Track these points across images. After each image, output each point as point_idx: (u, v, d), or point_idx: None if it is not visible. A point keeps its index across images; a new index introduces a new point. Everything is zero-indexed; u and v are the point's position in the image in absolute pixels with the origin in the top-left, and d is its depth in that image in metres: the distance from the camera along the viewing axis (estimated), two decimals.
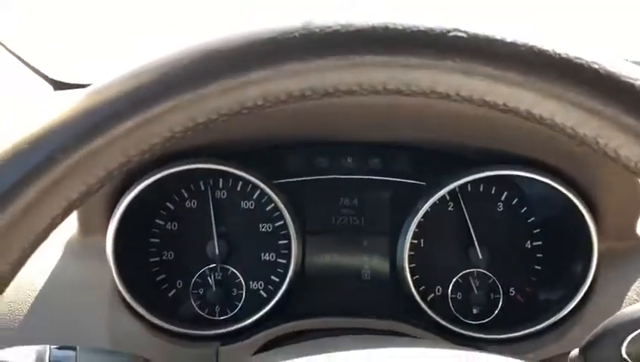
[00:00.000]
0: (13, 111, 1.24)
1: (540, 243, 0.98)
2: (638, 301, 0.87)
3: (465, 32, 0.39)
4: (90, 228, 0.91)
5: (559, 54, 0.39)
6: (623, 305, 0.87)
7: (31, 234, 0.39)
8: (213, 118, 0.41)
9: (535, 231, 0.98)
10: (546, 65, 0.39)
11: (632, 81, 0.38)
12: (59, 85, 1.38)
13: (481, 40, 0.39)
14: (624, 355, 0.55)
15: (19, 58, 1.36)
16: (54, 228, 0.41)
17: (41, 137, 0.38)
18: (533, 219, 0.98)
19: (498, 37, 0.39)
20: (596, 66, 0.38)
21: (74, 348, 0.59)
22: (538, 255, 0.98)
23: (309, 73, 0.39)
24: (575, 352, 0.59)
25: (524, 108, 0.40)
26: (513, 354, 0.89)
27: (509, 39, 0.39)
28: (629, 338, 0.55)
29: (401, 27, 0.40)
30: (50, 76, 1.38)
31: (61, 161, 0.38)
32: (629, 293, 0.87)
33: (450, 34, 0.39)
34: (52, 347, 0.58)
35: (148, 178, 0.87)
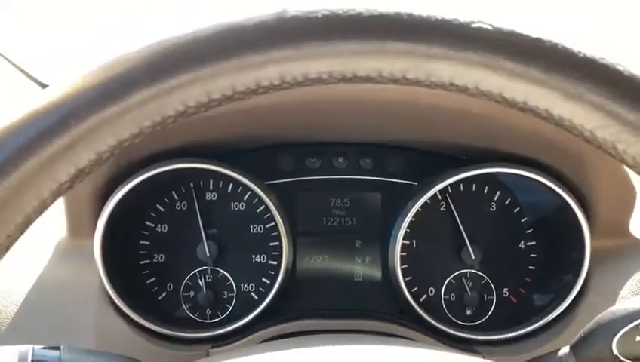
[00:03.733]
0: (3, 114, 1.23)
1: (534, 243, 0.97)
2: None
3: (489, 25, 0.38)
4: (80, 230, 0.90)
5: (584, 54, 0.38)
6: (617, 303, 0.86)
7: (35, 199, 0.38)
8: (228, 95, 0.40)
9: (528, 232, 0.97)
10: (569, 64, 0.38)
11: None
12: None
13: (504, 34, 0.38)
14: (615, 351, 0.54)
15: (10, 61, 1.35)
16: (61, 194, 0.39)
17: (54, 103, 0.37)
18: (526, 219, 0.97)
19: (523, 32, 0.38)
20: (620, 68, 0.37)
21: (58, 348, 0.58)
22: (532, 255, 0.97)
23: (330, 55, 0.38)
24: (565, 350, 0.58)
25: (543, 108, 0.39)
26: (506, 355, 0.89)
27: (533, 35, 0.38)
28: (620, 333, 0.54)
29: (425, 15, 0.39)
30: (41, 80, 1.38)
31: (74, 127, 0.37)
32: (622, 292, 0.86)
33: (474, 25, 0.38)
34: (35, 347, 0.57)
35: (136, 178, 0.86)
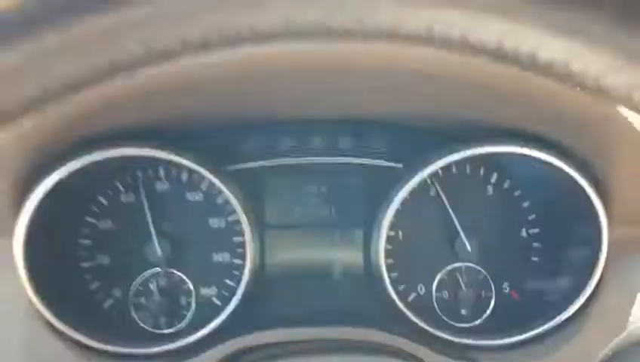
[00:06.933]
0: None
1: (537, 231, 0.87)
2: None
3: None
4: (1, 230, 0.76)
5: None
6: (637, 302, 0.75)
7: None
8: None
9: (531, 218, 0.87)
10: None
11: None
12: None
13: None
14: None
15: None
16: None
17: None
18: (528, 203, 0.86)
19: None
20: None
21: None
22: (535, 244, 0.87)
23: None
24: None
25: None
26: None
27: None
28: None
29: None
30: None
31: None
32: None
33: None
34: None
35: (64, 166, 0.72)
